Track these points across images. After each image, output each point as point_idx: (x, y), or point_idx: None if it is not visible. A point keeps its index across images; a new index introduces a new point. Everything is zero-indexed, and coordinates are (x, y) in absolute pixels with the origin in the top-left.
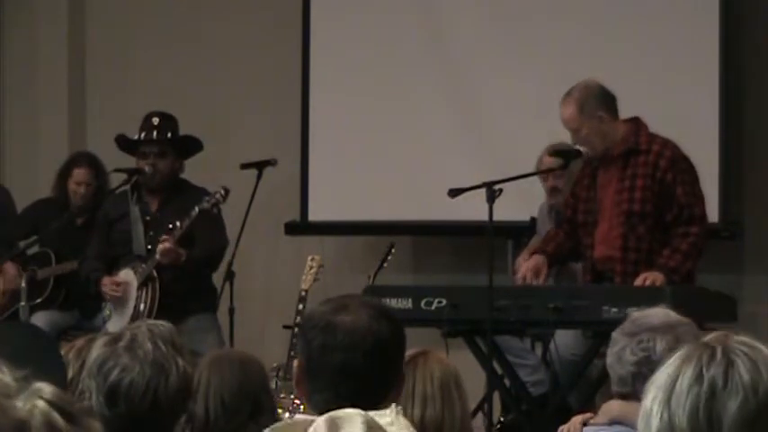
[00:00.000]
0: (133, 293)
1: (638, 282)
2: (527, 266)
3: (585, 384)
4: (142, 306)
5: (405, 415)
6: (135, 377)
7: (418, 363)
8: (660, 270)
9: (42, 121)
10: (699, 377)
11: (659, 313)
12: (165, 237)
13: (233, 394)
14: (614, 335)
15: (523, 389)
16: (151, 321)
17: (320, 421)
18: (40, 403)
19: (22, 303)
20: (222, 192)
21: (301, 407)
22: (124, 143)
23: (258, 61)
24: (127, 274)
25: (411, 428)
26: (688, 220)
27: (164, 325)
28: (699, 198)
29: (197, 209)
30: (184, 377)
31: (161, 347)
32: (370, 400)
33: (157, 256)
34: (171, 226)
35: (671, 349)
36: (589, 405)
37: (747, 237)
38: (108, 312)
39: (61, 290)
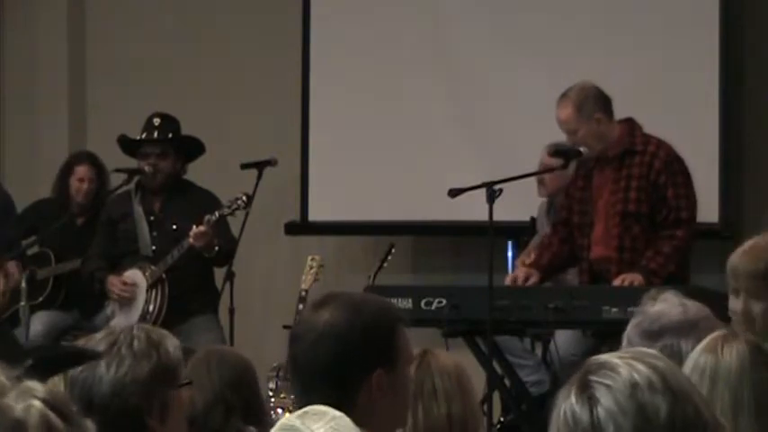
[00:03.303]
0: (142, 294)
1: (616, 282)
2: (516, 277)
3: None
4: (151, 307)
5: (431, 413)
6: (74, 372)
7: (430, 361)
8: (640, 271)
9: (42, 121)
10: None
11: (674, 307)
12: (200, 221)
13: (206, 399)
14: (630, 335)
15: (523, 389)
16: (141, 325)
17: None
18: (36, 403)
19: (22, 303)
20: (244, 198)
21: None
22: (126, 144)
23: (258, 61)
24: (134, 275)
25: None
26: (674, 223)
27: (144, 329)
28: (689, 200)
29: (217, 214)
30: (121, 383)
31: (113, 350)
32: (330, 396)
33: (191, 240)
34: (174, 227)
35: None
36: None
37: (747, 237)
38: (111, 310)
39: (61, 290)
